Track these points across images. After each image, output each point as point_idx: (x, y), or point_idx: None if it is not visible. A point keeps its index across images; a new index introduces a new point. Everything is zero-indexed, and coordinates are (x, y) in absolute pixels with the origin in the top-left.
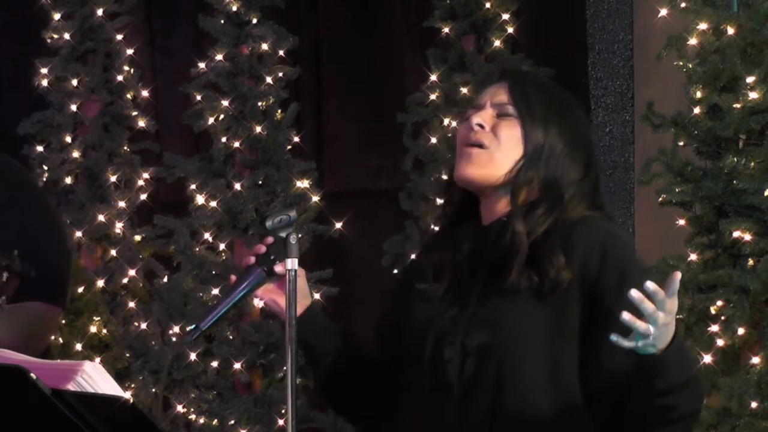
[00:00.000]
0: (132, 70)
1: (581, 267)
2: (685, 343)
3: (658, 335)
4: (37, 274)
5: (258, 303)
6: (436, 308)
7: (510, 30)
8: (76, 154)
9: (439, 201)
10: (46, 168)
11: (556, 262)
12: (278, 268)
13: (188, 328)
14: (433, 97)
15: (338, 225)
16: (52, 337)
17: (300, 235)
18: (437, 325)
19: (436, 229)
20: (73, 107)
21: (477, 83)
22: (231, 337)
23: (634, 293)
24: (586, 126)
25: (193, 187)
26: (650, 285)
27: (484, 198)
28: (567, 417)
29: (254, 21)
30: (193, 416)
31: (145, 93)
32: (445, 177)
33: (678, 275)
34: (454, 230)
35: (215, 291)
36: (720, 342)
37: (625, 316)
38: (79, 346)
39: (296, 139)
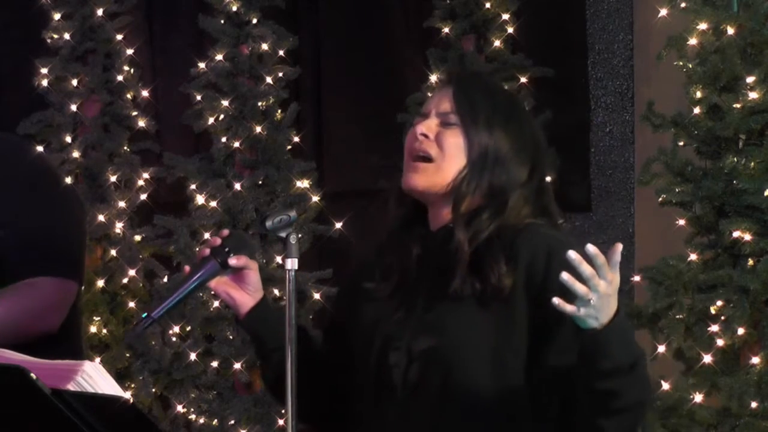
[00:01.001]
0: (132, 70)
1: (526, 272)
2: (630, 327)
3: (599, 305)
4: (48, 250)
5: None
6: (383, 310)
7: (510, 30)
8: (76, 154)
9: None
10: None
11: (498, 269)
12: (232, 261)
13: (141, 317)
14: None
15: (338, 225)
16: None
17: (300, 235)
18: (384, 328)
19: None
20: (73, 107)
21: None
22: (231, 337)
23: (573, 254)
24: (533, 128)
25: (193, 187)
26: (590, 247)
27: (431, 205)
28: (511, 420)
29: (254, 21)
30: (193, 416)
31: (145, 93)
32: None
33: (619, 246)
34: (404, 232)
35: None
36: (720, 342)
37: (565, 275)
38: None
39: (296, 139)
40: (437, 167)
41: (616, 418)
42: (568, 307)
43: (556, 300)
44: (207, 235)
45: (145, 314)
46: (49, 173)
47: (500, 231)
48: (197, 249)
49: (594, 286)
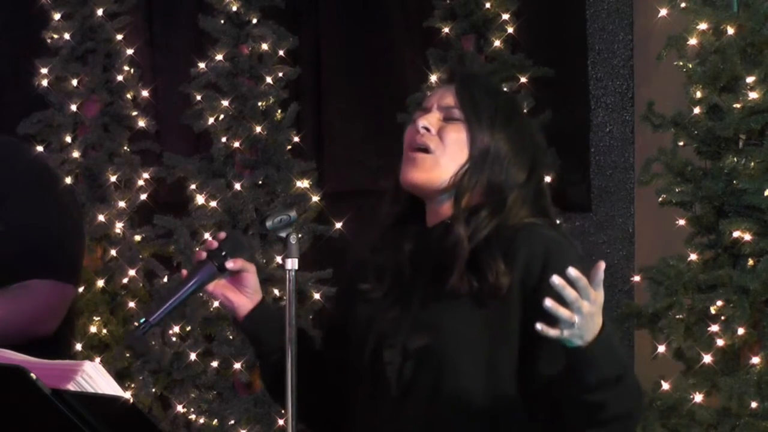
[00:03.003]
0: (132, 70)
1: (523, 272)
2: (616, 340)
3: (583, 325)
4: (45, 252)
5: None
6: (378, 309)
7: (510, 30)
8: (76, 154)
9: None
10: None
11: (496, 267)
12: (229, 264)
13: (137, 322)
14: None
15: (338, 225)
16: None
17: (300, 235)
18: (378, 326)
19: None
20: (73, 107)
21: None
22: (231, 337)
23: (556, 279)
24: (532, 131)
25: (193, 187)
26: (572, 271)
27: (429, 200)
28: (503, 421)
29: (254, 21)
30: (193, 416)
31: (145, 93)
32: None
33: (602, 265)
34: (398, 231)
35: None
36: (720, 342)
37: (548, 302)
38: (79, 346)
39: (296, 139)
40: (435, 160)
41: (604, 429)
42: (552, 332)
43: (539, 326)
44: (207, 235)
45: (143, 319)
46: (48, 175)
47: (498, 230)
48: (196, 249)
49: (578, 309)
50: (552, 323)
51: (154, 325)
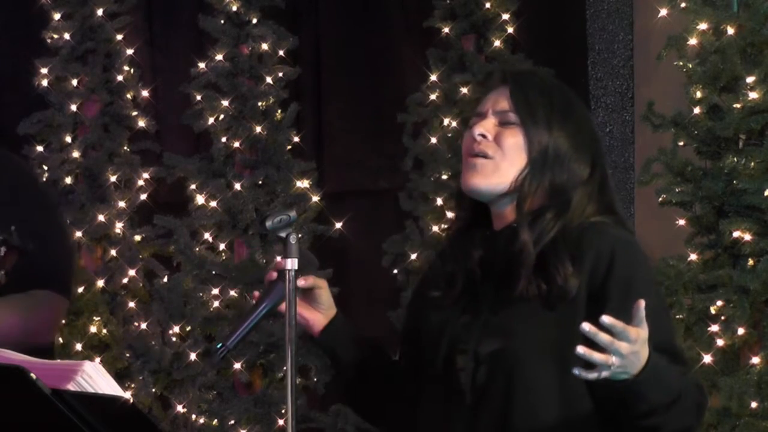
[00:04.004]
0: (132, 70)
1: (590, 273)
2: (665, 367)
3: (625, 364)
4: (45, 264)
5: None
6: (449, 315)
7: (510, 30)
8: (76, 154)
9: (439, 201)
10: (46, 168)
11: (564, 270)
12: (300, 282)
13: (216, 347)
14: (433, 97)
15: (338, 225)
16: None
17: (300, 235)
18: (450, 332)
19: (449, 235)
20: (73, 107)
21: (476, 84)
22: None
23: (586, 326)
24: (591, 124)
25: (193, 187)
26: (606, 319)
27: (492, 205)
28: (576, 425)
29: (254, 21)
30: (193, 416)
31: (145, 93)
32: (444, 177)
33: (642, 303)
34: (466, 236)
35: (215, 291)
36: (720, 342)
37: (581, 349)
38: (79, 346)
39: (296, 139)
40: (496, 165)
41: None
42: (590, 375)
43: (576, 370)
44: (207, 235)
45: (220, 344)
46: (36, 186)
47: (565, 231)
48: (197, 249)
49: (616, 351)
50: (592, 367)
51: (231, 349)
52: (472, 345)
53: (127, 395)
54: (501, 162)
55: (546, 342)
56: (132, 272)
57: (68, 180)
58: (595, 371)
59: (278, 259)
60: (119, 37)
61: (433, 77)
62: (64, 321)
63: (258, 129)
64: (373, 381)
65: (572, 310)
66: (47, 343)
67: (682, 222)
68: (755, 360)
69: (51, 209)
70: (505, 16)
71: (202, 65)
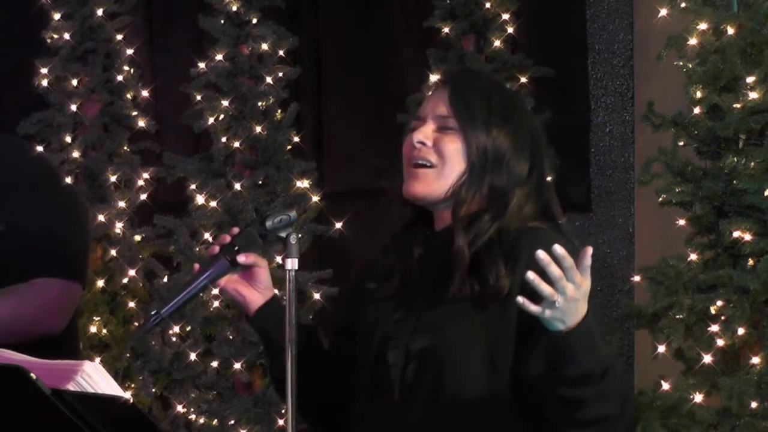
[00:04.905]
0: (132, 70)
1: (524, 275)
2: (600, 335)
3: (565, 308)
4: (49, 250)
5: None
6: (384, 310)
7: (510, 30)
8: (76, 154)
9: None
10: None
11: (496, 270)
12: (241, 258)
13: (150, 314)
14: None
15: (338, 225)
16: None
17: (300, 235)
18: (383, 327)
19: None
20: (73, 107)
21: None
22: (231, 337)
23: (541, 254)
24: (530, 122)
25: (193, 187)
26: (558, 248)
27: (433, 209)
28: (503, 423)
29: (254, 21)
30: (193, 416)
31: (145, 93)
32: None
33: (589, 250)
34: (408, 233)
35: (215, 291)
36: (720, 342)
37: (530, 275)
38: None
39: (296, 139)
40: (438, 173)
41: (584, 430)
42: (533, 307)
43: (520, 299)
44: (207, 235)
45: (154, 311)
46: (51, 174)
47: (501, 233)
48: (197, 249)
49: (561, 288)
50: (535, 301)
51: (165, 317)
52: (404, 341)
53: (127, 395)
54: (443, 169)
55: (475, 341)
56: (132, 272)
57: (68, 180)
58: (539, 306)
59: (208, 237)
60: (119, 37)
61: (433, 77)
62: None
63: (258, 129)
64: (305, 369)
65: (503, 312)
66: (58, 329)
67: (682, 222)
68: (755, 360)
69: (62, 197)
70: (505, 16)
71: (202, 65)
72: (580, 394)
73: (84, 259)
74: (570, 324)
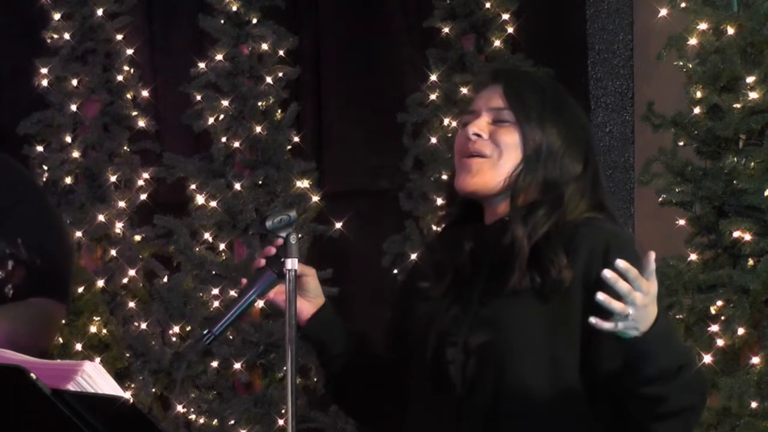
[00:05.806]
0: (132, 70)
1: (584, 268)
2: (675, 333)
3: (638, 317)
4: (42, 271)
5: (258, 303)
6: (438, 307)
7: (510, 30)
8: (76, 154)
9: (440, 201)
10: (46, 168)
11: (558, 262)
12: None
13: (202, 333)
14: (433, 97)
15: (338, 225)
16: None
17: (300, 235)
18: (439, 324)
19: (439, 228)
20: (73, 107)
21: (474, 84)
22: (231, 337)
23: (608, 273)
24: (583, 120)
25: (193, 187)
26: (621, 263)
27: (486, 202)
28: (567, 417)
29: (254, 21)
30: (193, 416)
31: (145, 93)
32: (445, 177)
33: (652, 255)
34: (456, 229)
35: (215, 291)
36: (720, 342)
37: (600, 296)
38: (79, 346)
39: (296, 139)
40: (493, 164)
41: (665, 423)
42: (606, 325)
43: (593, 319)
44: (207, 235)
45: (206, 330)
46: (35, 190)
47: (558, 226)
48: (197, 249)
49: (631, 301)
50: (606, 317)
51: (217, 336)
52: (462, 337)
53: (127, 395)
54: (498, 160)
55: (536, 334)
56: (132, 272)
57: (68, 180)
58: (611, 321)
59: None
60: (119, 37)
61: (433, 77)
62: (63, 321)
63: (258, 129)
64: (359, 374)
65: (565, 304)
66: (44, 349)
67: (682, 222)
68: (755, 360)
69: (49, 214)
70: (505, 16)
71: (202, 65)
72: (661, 392)
73: (69, 279)
74: (644, 329)
